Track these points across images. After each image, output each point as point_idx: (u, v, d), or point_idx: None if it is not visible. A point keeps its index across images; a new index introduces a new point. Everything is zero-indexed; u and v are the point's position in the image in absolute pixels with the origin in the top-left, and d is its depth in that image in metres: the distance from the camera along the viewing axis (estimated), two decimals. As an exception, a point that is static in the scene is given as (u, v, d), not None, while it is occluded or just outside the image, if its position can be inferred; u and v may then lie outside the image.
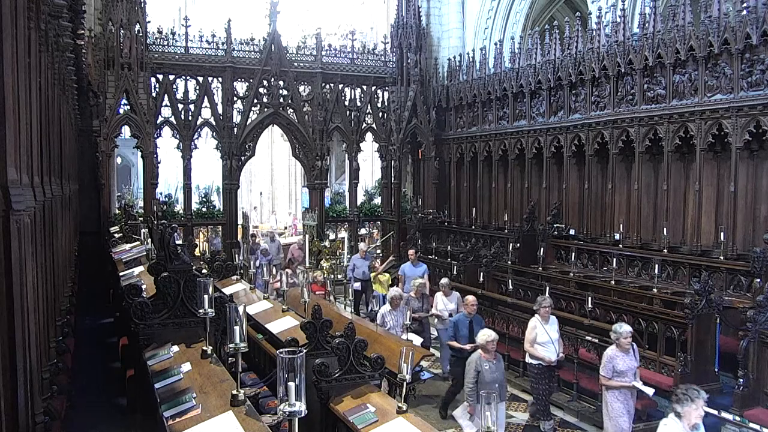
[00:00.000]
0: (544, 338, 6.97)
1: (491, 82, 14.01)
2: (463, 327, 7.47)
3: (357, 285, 11.50)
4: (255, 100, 14.39)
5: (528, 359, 7.17)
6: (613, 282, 9.62)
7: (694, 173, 9.82)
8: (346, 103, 15.61)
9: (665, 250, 9.80)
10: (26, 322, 2.88)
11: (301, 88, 15.04)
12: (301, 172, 23.35)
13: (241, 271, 9.39)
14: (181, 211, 14.60)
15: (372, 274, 11.92)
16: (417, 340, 8.06)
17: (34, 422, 3.05)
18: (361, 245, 13.52)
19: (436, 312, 8.99)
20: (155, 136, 13.56)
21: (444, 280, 9.25)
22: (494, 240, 13.26)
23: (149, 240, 7.13)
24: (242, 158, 14.49)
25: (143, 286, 5.18)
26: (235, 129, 14.18)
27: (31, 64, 3.76)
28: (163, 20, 15.87)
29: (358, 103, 15.75)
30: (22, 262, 2.77)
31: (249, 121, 14.40)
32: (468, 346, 7.13)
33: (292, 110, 15.01)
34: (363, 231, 17.00)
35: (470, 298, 7.75)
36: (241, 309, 3.35)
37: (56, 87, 6.25)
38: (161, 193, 17.42)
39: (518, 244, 11.64)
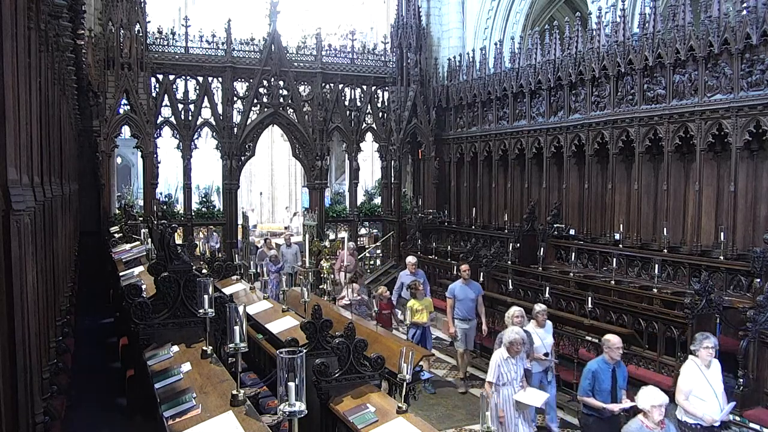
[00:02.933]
0: (704, 391, 5.22)
1: (491, 82, 14.00)
2: (605, 378, 5.53)
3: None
4: (255, 100, 14.39)
5: (680, 415, 5.38)
6: (613, 282, 9.61)
7: (694, 173, 9.81)
8: (346, 103, 15.61)
9: (665, 250, 9.79)
10: (26, 322, 2.88)
11: (301, 88, 15.03)
12: (301, 172, 23.36)
13: (241, 272, 9.35)
14: (181, 211, 14.61)
15: (410, 302, 8.54)
16: (540, 397, 6.01)
17: (34, 422, 3.04)
18: (410, 258, 10.39)
19: (536, 354, 6.76)
20: (155, 136, 13.57)
21: (539, 307, 7.05)
22: (494, 240, 13.26)
23: (149, 240, 7.13)
24: (242, 158, 14.49)
25: (143, 286, 5.18)
26: (235, 129, 14.17)
27: (31, 64, 3.76)
28: (163, 20, 15.90)
29: (358, 103, 15.74)
30: (22, 262, 2.77)
31: (249, 121, 14.40)
32: (612, 407, 5.47)
33: (292, 110, 15.01)
34: (363, 231, 17.00)
35: (614, 339, 5.66)
36: (241, 309, 3.35)
37: (56, 87, 6.24)
38: (161, 193, 17.45)
39: (518, 244, 11.63)
